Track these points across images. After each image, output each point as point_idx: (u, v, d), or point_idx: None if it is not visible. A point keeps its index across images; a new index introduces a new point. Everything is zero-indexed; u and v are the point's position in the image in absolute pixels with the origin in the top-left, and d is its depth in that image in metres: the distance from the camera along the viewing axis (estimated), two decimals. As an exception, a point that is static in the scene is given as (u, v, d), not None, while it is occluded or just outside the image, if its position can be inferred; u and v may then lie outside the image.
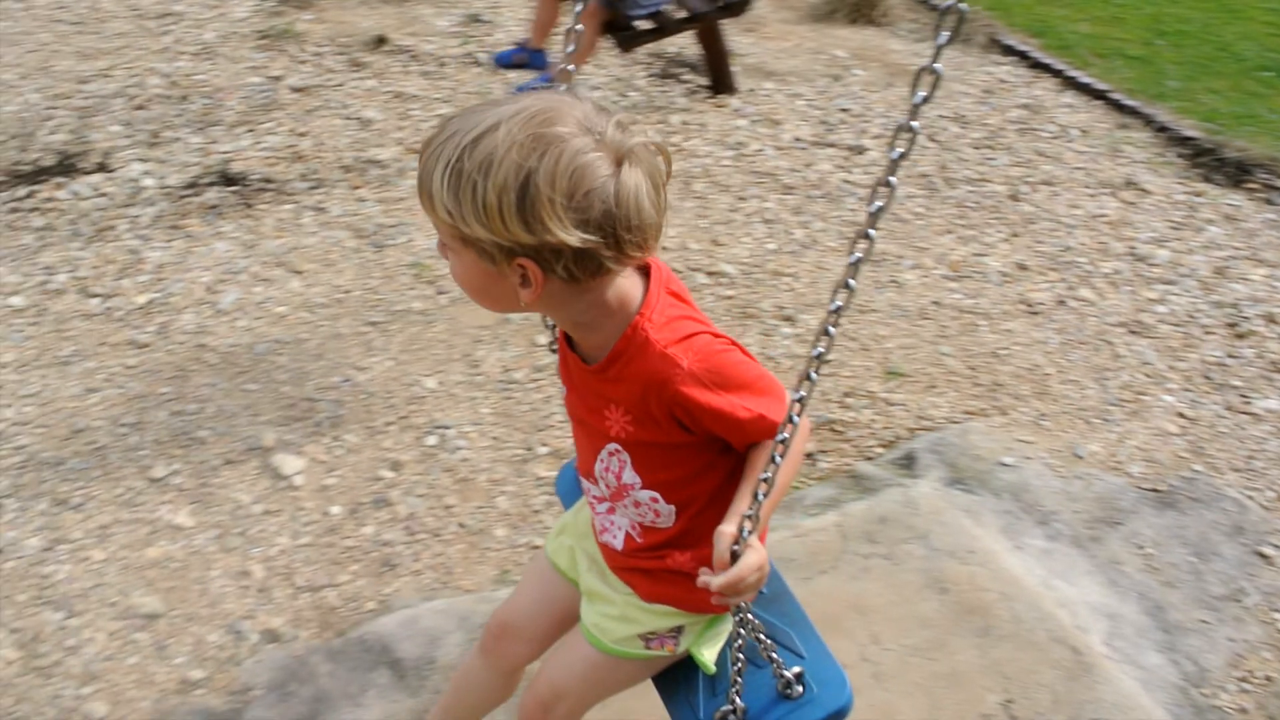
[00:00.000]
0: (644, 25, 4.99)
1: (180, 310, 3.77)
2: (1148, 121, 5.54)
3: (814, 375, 1.42)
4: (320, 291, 3.91)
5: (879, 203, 1.32)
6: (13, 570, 2.81)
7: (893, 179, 1.30)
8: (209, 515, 3.02)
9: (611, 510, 1.77)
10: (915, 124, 1.26)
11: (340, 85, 5.23)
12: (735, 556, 1.49)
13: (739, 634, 1.68)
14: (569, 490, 2.12)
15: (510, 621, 2.08)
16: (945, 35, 1.23)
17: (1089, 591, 2.97)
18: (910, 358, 3.84)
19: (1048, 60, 6.07)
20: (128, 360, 3.53)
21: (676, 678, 1.91)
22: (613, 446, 1.65)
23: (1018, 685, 2.62)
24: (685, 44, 5.69)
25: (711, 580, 1.49)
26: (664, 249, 4.26)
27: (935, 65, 1.24)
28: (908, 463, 3.32)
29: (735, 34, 5.87)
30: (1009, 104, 5.66)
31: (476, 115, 1.36)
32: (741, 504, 1.54)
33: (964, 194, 4.85)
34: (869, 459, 3.40)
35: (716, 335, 1.54)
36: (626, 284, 1.51)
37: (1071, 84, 5.88)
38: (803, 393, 1.43)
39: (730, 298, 4.04)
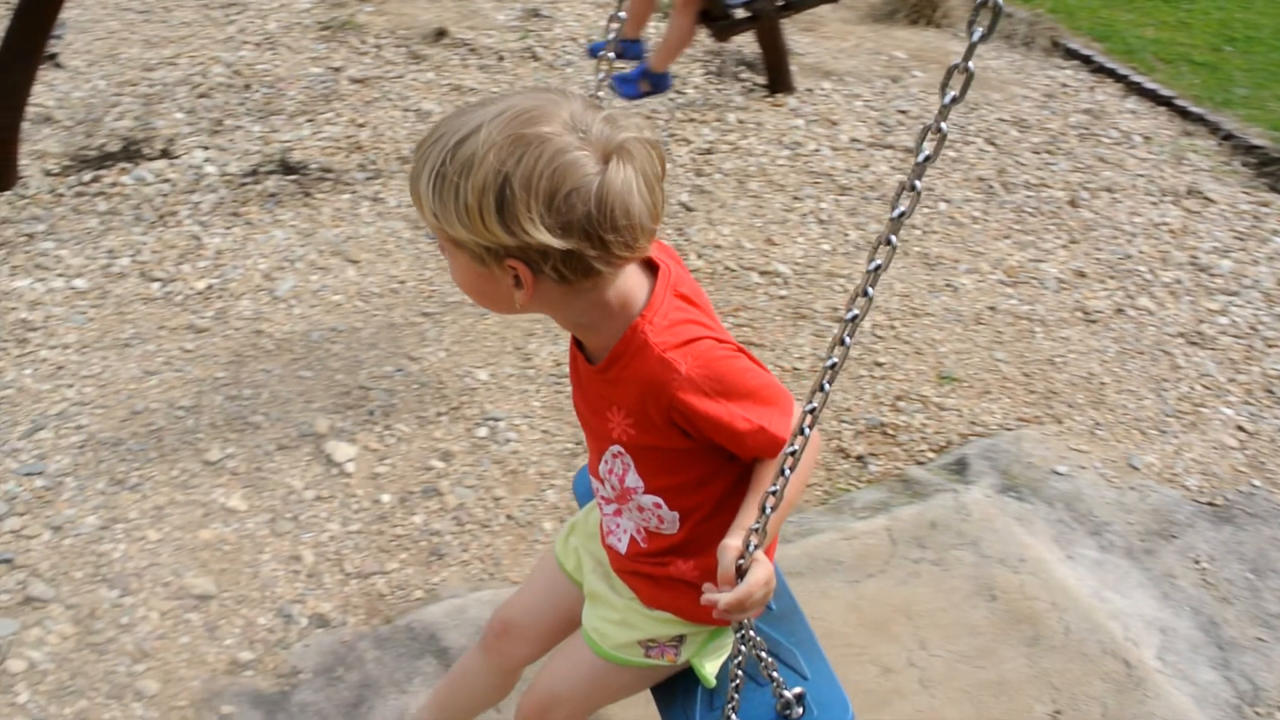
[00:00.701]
0: (740, 14, 4.94)
1: (238, 296, 3.82)
2: (1213, 129, 5.44)
3: (826, 386, 1.36)
4: (376, 281, 3.94)
5: (901, 208, 1.24)
6: (70, 547, 2.86)
7: (918, 183, 1.23)
8: (261, 499, 3.06)
9: (618, 513, 1.74)
10: (944, 125, 1.19)
11: (399, 77, 5.27)
12: (741, 571, 1.45)
13: (740, 650, 1.63)
14: (586, 492, 2.09)
15: (513, 620, 2.05)
16: (979, 32, 1.16)
17: (1142, 604, 2.92)
18: (964, 363, 3.81)
19: (1111, 65, 5.98)
20: (186, 344, 3.58)
21: (675, 688, 1.88)
22: (616, 449, 1.62)
23: (1067, 696, 2.59)
24: (743, 42, 5.67)
25: (719, 598, 1.45)
26: (717, 246, 4.25)
27: (968, 64, 1.16)
28: (959, 468, 3.29)
29: (794, 33, 5.84)
30: (1070, 109, 5.59)
31: (463, 117, 1.35)
32: (747, 517, 1.50)
33: (1022, 199, 4.79)
34: (920, 463, 3.37)
35: (721, 341, 1.50)
36: (629, 285, 1.48)
37: (1135, 89, 5.79)
38: (814, 404, 1.37)
39: (784, 298, 4.03)
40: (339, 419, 3.33)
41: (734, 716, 1.69)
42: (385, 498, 3.10)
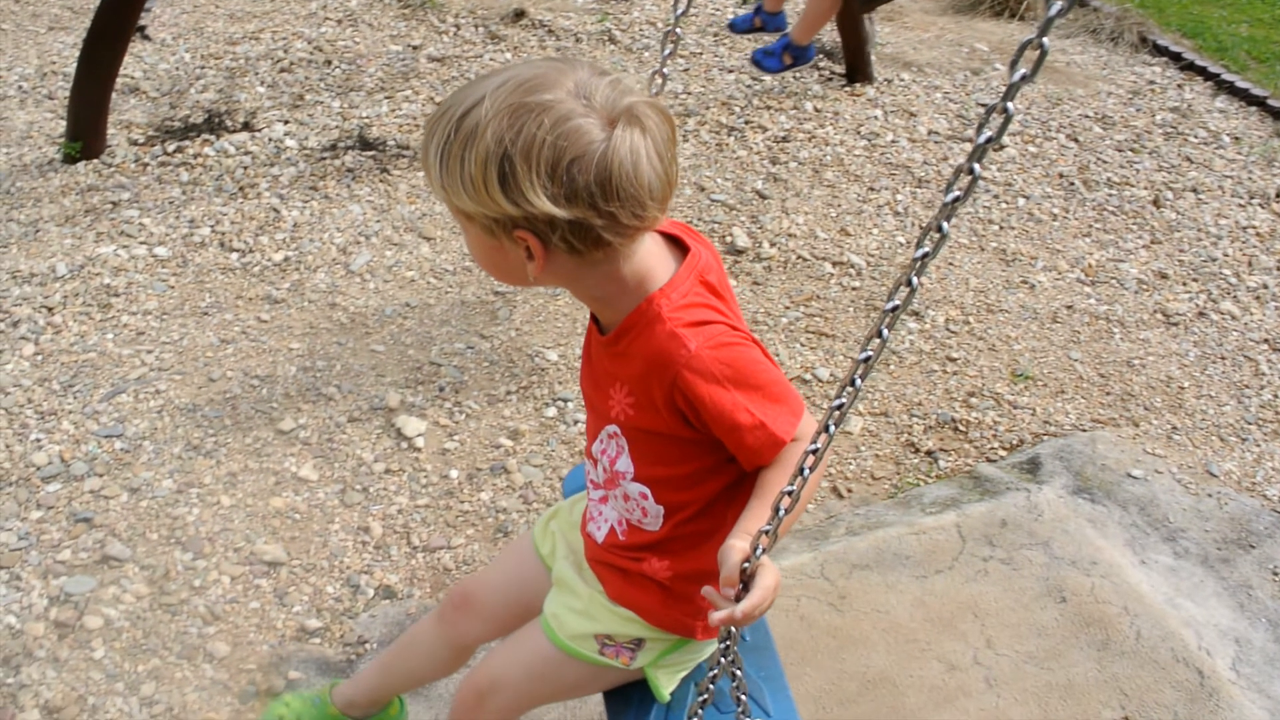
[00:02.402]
0: None
1: (314, 269, 3.86)
2: (1307, 131, 5.30)
3: (858, 380, 1.24)
4: (449, 259, 3.97)
5: (956, 192, 1.11)
6: (147, 509, 2.92)
7: (976, 166, 1.09)
8: (332, 470, 3.09)
9: (604, 499, 1.69)
10: (1010, 106, 1.06)
11: (478, 57, 5.29)
12: (745, 576, 1.35)
13: (719, 661, 1.50)
14: (575, 490, 1.99)
15: (473, 594, 1.98)
16: (1059, 5, 1.02)
17: (1217, 613, 2.86)
18: (1039, 361, 3.75)
19: (1202, 63, 5.83)
20: (262, 315, 3.63)
21: (629, 699, 1.79)
22: (612, 429, 1.57)
23: (1136, 703, 2.54)
24: (823, 31, 5.61)
25: (734, 612, 1.34)
26: (791, 235, 4.22)
27: (1043, 39, 1.02)
28: (1032, 468, 3.24)
29: (874, 23, 5.77)
30: (1157, 106, 5.46)
31: (468, 90, 1.33)
32: (753, 520, 1.40)
33: (1104, 197, 4.70)
34: (991, 461, 3.33)
35: (734, 328, 1.45)
36: (650, 262, 1.44)
37: (1226, 88, 5.65)
38: (843, 399, 1.25)
39: (856, 289, 3.99)
40: (410, 394, 3.36)
41: None
42: (453, 473, 3.12)
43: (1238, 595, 2.93)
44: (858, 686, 2.54)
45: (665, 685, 1.74)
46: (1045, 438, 3.41)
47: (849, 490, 3.22)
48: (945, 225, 1.13)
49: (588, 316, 1.58)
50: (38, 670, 2.49)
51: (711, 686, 1.54)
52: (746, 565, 1.36)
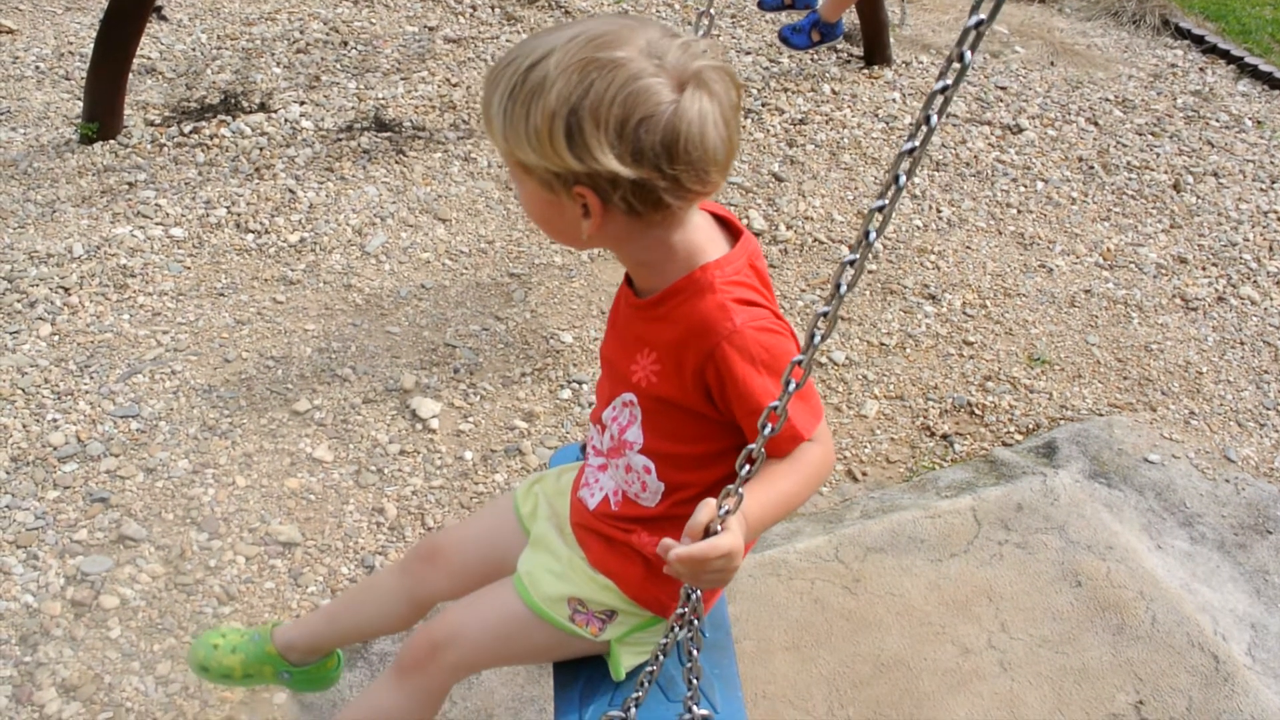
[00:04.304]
0: None
1: (329, 250, 3.86)
2: (1329, 115, 5.24)
3: (818, 336, 1.20)
4: (464, 240, 3.96)
5: (912, 143, 1.07)
6: (162, 489, 2.93)
7: (933, 116, 1.05)
8: (347, 451, 3.10)
9: (604, 467, 1.67)
10: (968, 53, 1.01)
11: (494, 38, 5.27)
12: (709, 533, 1.32)
13: (673, 628, 1.47)
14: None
15: (443, 548, 1.91)
16: None
17: (1233, 599, 2.85)
18: (1056, 345, 3.72)
19: (1225, 46, 5.78)
20: (277, 295, 3.64)
21: (579, 674, 1.75)
22: (628, 396, 1.56)
23: (1150, 687, 2.53)
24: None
25: (676, 550, 1.30)
26: (807, 218, 4.20)
27: None
28: (1048, 452, 3.22)
29: (893, 4, 5.73)
30: (1178, 90, 5.41)
31: (536, 41, 1.31)
32: (750, 499, 1.36)
33: (1123, 180, 4.66)
34: (1007, 445, 3.31)
35: (778, 317, 1.45)
36: (701, 237, 1.44)
37: (1249, 71, 5.59)
38: (803, 357, 1.22)
39: (873, 272, 3.97)
40: (424, 375, 3.36)
41: (634, 710, 1.57)
42: (468, 455, 3.12)
43: (1254, 581, 2.91)
44: (872, 669, 2.54)
45: (625, 664, 1.71)
46: (1062, 422, 3.40)
47: (864, 473, 3.21)
48: (902, 177, 1.10)
49: (604, 301, 1.57)
50: (54, 649, 2.51)
51: (661, 656, 1.50)
52: (716, 525, 1.32)
